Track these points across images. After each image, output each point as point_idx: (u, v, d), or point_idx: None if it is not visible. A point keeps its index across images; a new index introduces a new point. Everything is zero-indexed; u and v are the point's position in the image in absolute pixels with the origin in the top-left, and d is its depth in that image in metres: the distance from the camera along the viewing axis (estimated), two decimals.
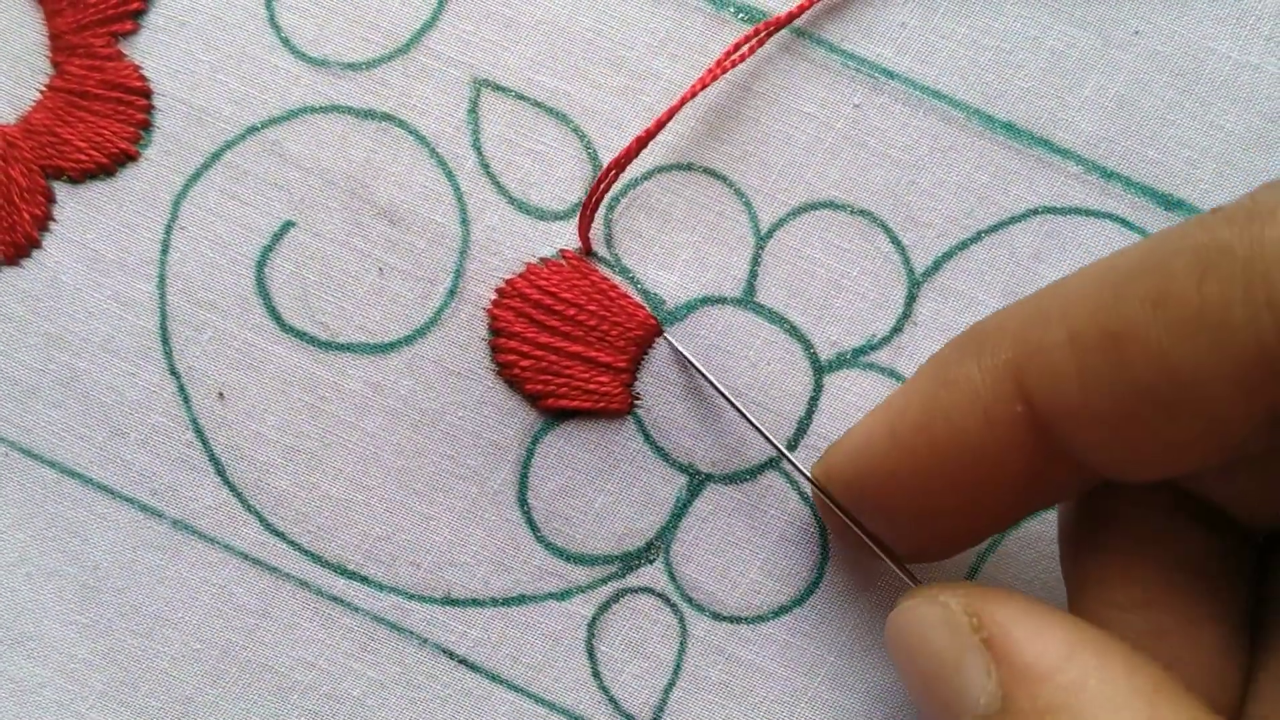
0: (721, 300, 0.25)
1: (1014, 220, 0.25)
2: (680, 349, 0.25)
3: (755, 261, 0.25)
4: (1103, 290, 0.17)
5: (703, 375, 0.25)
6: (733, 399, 0.24)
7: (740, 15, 0.26)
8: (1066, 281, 0.18)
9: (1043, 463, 0.18)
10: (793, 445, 0.25)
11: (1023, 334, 0.18)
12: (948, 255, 0.25)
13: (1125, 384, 0.16)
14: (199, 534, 0.25)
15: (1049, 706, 0.17)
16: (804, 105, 0.26)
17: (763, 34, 0.25)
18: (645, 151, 0.25)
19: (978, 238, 0.25)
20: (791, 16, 0.25)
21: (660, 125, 0.24)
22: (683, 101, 0.24)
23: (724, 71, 0.25)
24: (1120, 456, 0.18)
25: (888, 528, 0.21)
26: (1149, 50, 0.25)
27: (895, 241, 0.25)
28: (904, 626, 0.20)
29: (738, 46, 0.25)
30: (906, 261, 0.25)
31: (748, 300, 0.25)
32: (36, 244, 0.26)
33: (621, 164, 0.24)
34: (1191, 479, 0.20)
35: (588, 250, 0.25)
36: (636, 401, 0.25)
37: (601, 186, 0.24)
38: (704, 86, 0.25)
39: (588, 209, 0.25)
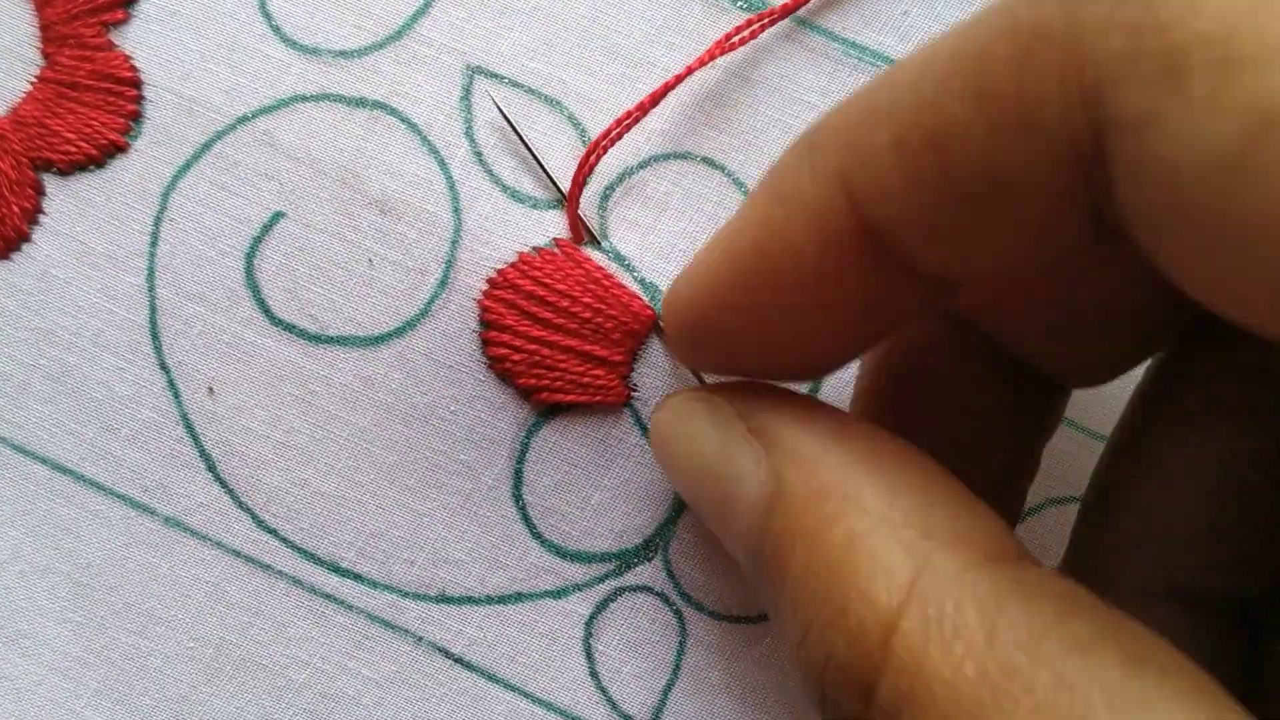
0: None
1: None
2: (497, 103, 0.24)
3: None
4: (926, 84, 0.15)
5: (515, 130, 0.24)
6: (534, 151, 0.23)
7: (738, 3, 0.25)
8: (898, 71, 0.16)
9: (883, 278, 0.17)
10: None
11: (851, 138, 0.16)
12: None
13: (950, 188, 0.15)
14: (191, 531, 0.25)
15: (823, 486, 0.16)
16: (804, 94, 0.25)
17: (758, 24, 0.24)
18: (643, 140, 0.25)
19: None
20: (792, 6, 0.24)
21: (643, 109, 0.24)
22: (666, 87, 0.24)
23: (716, 55, 0.24)
24: (953, 264, 0.16)
25: (738, 356, 0.20)
26: None
27: None
28: (668, 425, 0.19)
29: (735, 33, 0.24)
30: None
31: None
32: (26, 237, 0.26)
33: (602, 146, 0.24)
34: (997, 325, 0.19)
35: (579, 239, 0.25)
36: (633, 393, 0.25)
37: (584, 171, 0.24)
38: (689, 73, 0.24)
39: (573, 196, 0.24)
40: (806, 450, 0.17)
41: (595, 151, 0.24)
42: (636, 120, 0.24)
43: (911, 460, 0.17)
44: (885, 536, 0.15)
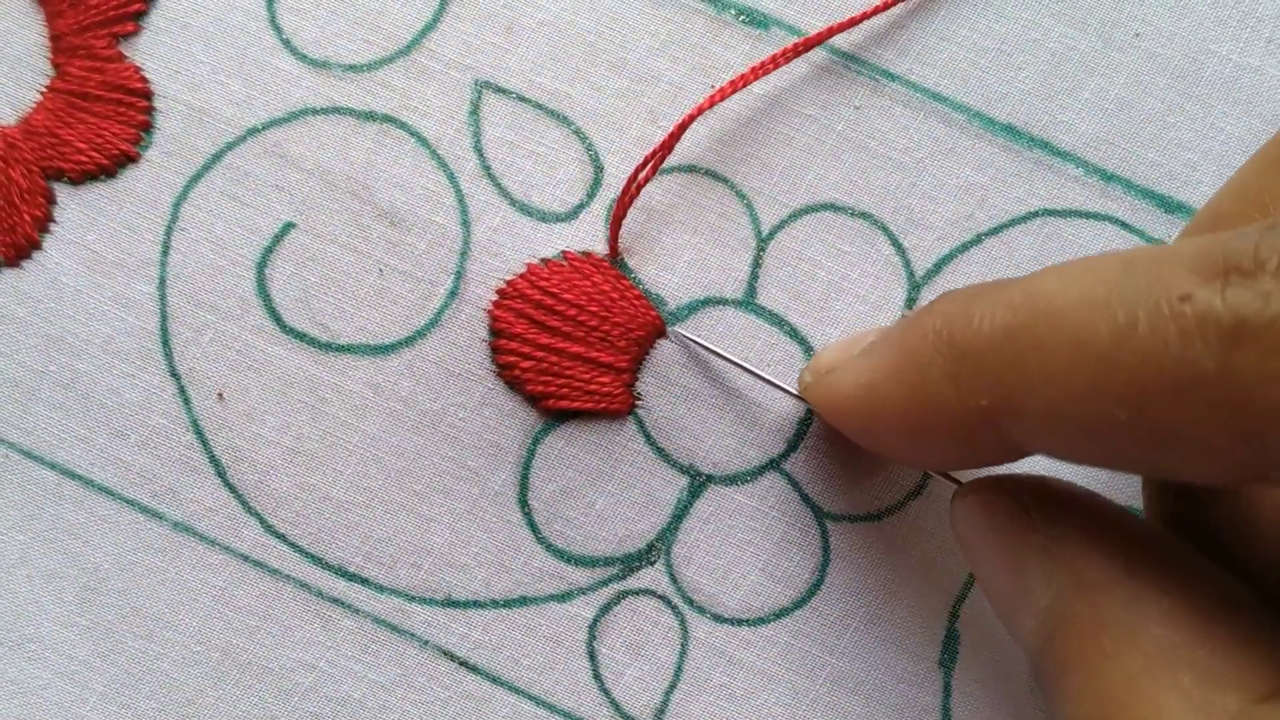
0: (722, 302, 0.25)
1: (1014, 222, 0.25)
2: (689, 336, 0.25)
3: (756, 263, 0.25)
4: (1080, 382, 0.16)
5: (718, 354, 0.25)
6: (749, 367, 0.24)
7: (741, 17, 0.26)
8: (1047, 344, 0.17)
9: (986, 447, 0.19)
10: (792, 447, 0.25)
11: (1001, 380, 0.17)
12: (948, 258, 0.25)
13: (1097, 461, 0.17)
14: (199, 536, 0.25)
15: (1105, 619, 0.17)
16: (805, 107, 0.26)
17: (792, 52, 0.25)
18: (647, 153, 0.25)
19: (978, 240, 0.25)
20: (832, 32, 0.25)
21: (692, 118, 0.24)
22: (711, 102, 0.24)
23: (751, 80, 0.24)
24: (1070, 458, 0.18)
25: (863, 442, 0.22)
26: (1149, 52, 0.25)
27: (895, 244, 0.25)
28: (966, 520, 0.20)
29: (770, 61, 0.25)
30: (907, 264, 0.25)
31: (748, 302, 0.25)
32: (37, 245, 0.26)
33: (658, 158, 0.24)
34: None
35: (615, 255, 0.25)
36: (638, 402, 0.25)
37: (633, 188, 0.24)
38: (722, 98, 0.24)
39: (618, 215, 0.25)
40: (1093, 576, 0.18)
41: (642, 171, 0.24)
42: (675, 140, 0.24)
43: (1198, 583, 0.17)
44: (1163, 683, 0.16)
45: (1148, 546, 0.18)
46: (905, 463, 0.24)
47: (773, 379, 0.24)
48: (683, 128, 0.24)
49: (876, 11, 0.25)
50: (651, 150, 0.24)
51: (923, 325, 0.19)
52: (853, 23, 0.25)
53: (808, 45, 0.25)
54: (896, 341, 0.20)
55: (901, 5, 0.25)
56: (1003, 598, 0.19)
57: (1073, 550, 0.18)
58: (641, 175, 0.24)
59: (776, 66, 0.25)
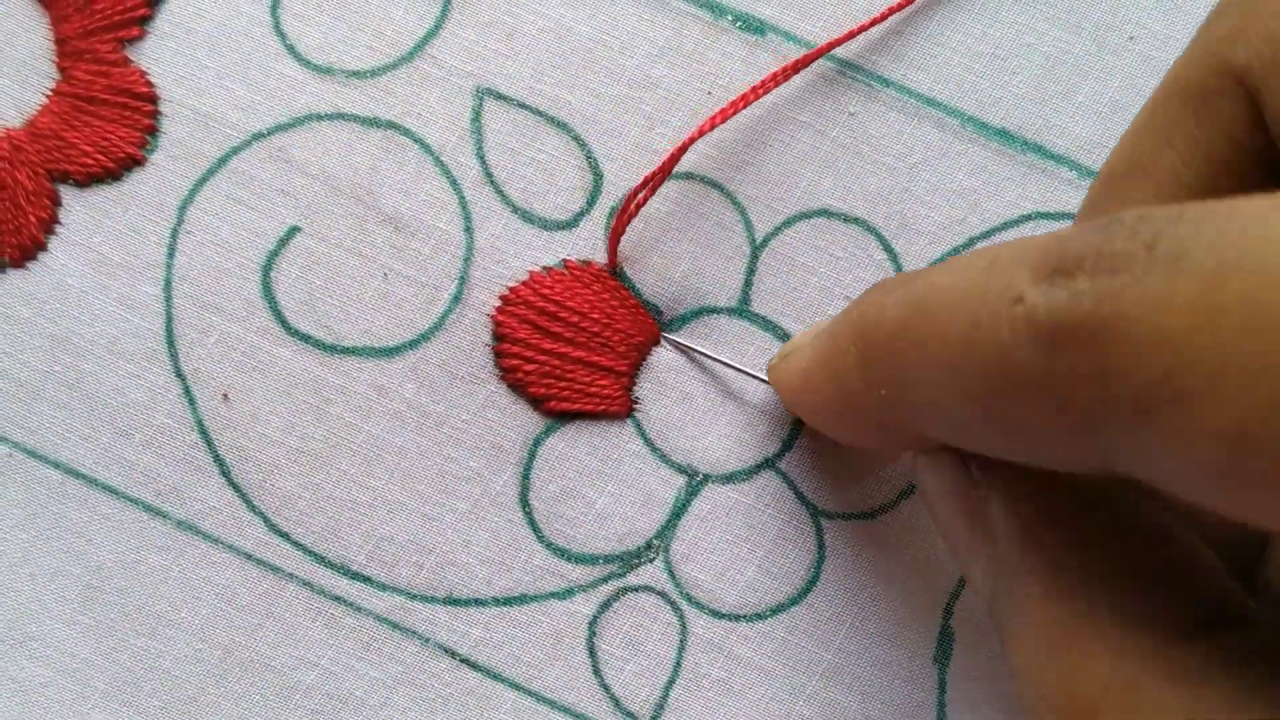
0: (717, 309, 0.26)
1: (1006, 226, 0.26)
2: (678, 340, 0.25)
3: (750, 270, 0.26)
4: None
5: (706, 355, 0.25)
6: (735, 363, 0.25)
7: (739, 24, 0.26)
8: (929, 315, 0.17)
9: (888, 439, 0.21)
10: (787, 446, 0.26)
11: (893, 373, 0.18)
12: (939, 261, 0.26)
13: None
14: (203, 534, 0.25)
15: (1033, 567, 0.17)
16: (799, 113, 0.26)
17: (792, 69, 0.25)
18: (643, 161, 0.25)
19: (970, 244, 0.26)
20: (833, 44, 0.25)
21: (692, 140, 0.24)
22: (713, 124, 0.25)
23: (762, 94, 0.25)
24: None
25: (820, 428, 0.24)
26: (1143, 55, 0.26)
27: (888, 249, 0.26)
28: (921, 479, 0.21)
29: (773, 77, 0.25)
30: (898, 268, 0.26)
31: (743, 309, 0.26)
32: (42, 247, 0.26)
33: (656, 180, 0.25)
34: None
35: (614, 267, 0.26)
36: (636, 405, 0.26)
37: (632, 207, 0.25)
38: (735, 111, 0.25)
39: (617, 229, 0.25)
40: (1026, 525, 0.18)
41: (643, 189, 0.25)
42: (684, 150, 0.25)
43: (1130, 528, 0.17)
44: (1086, 627, 0.16)
45: (1083, 494, 0.18)
46: (848, 445, 0.25)
47: (755, 373, 0.25)
48: (682, 150, 0.24)
49: (874, 23, 0.25)
50: (650, 172, 0.25)
51: (849, 313, 0.20)
52: (850, 36, 0.25)
53: (806, 61, 0.25)
54: (829, 328, 0.20)
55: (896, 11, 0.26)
56: (958, 553, 0.20)
57: (1010, 501, 0.18)
58: (640, 196, 0.25)
59: (776, 84, 0.25)
